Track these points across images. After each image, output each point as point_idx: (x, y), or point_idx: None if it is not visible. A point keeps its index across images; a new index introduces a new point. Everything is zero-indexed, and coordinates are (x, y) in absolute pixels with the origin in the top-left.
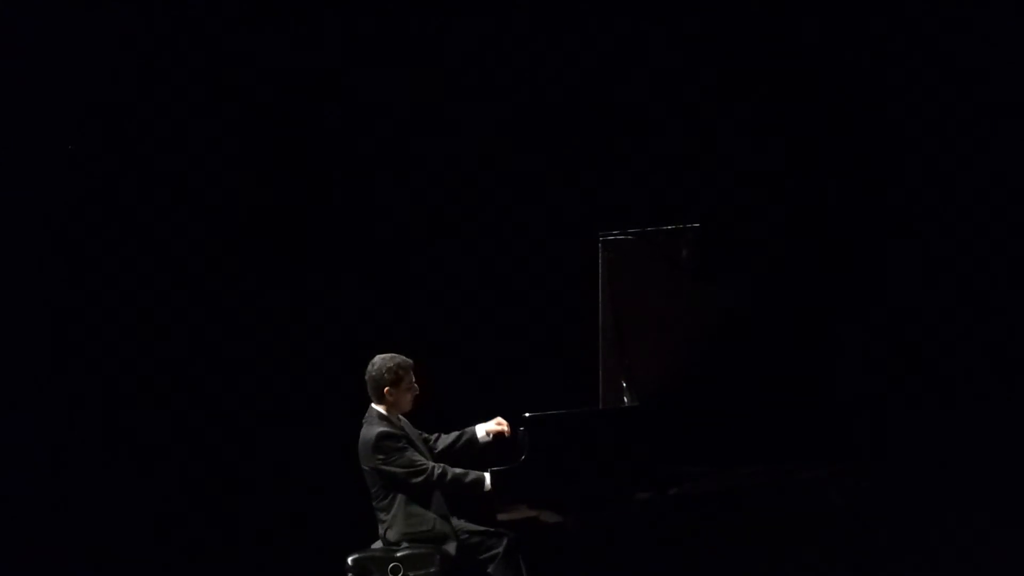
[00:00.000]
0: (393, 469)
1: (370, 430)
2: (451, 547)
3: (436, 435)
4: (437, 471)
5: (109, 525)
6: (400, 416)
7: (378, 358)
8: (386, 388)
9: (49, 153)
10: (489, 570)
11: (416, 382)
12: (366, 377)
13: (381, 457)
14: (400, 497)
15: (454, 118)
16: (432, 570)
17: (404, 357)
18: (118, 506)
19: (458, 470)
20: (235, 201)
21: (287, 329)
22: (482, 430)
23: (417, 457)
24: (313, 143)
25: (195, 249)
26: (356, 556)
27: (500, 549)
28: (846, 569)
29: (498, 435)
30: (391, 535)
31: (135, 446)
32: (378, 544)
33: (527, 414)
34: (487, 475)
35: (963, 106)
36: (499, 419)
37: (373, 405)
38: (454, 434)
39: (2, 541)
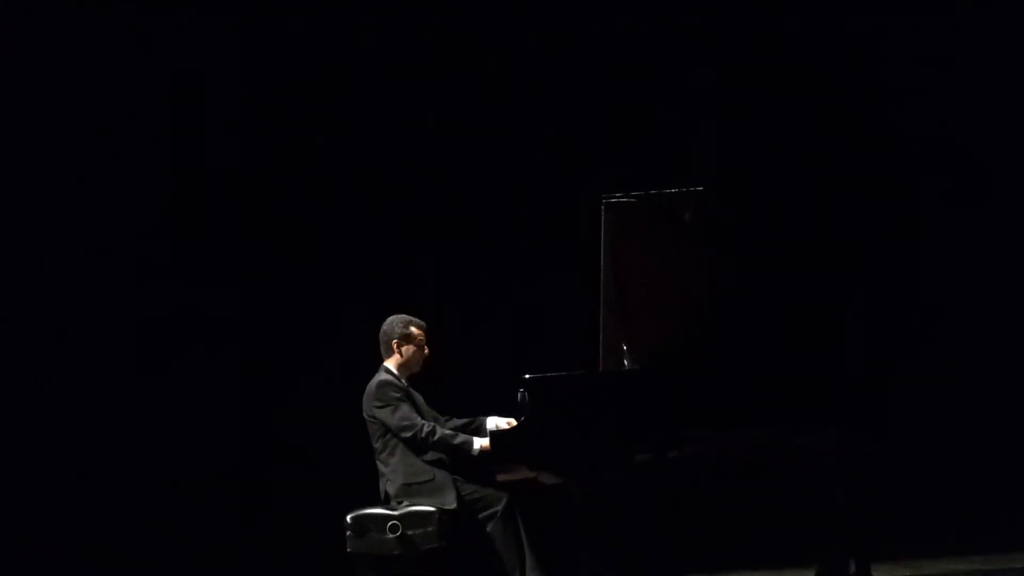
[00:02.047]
0: (386, 418)
1: (375, 379)
2: (451, 498)
3: (448, 418)
4: (426, 429)
5: (108, 525)
6: (409, 386)
7: (392, 315)
8: (395, 341)
9: (49, 153)
10: (488, 529)
11: (427, 345)
12: (379, 333)
13: (378, 404)
14: (400, 449)
15: (454, 80)
16: (430, 528)
17: (418, 319)
18: (117, 507)
19: (447, 431)
20: (233, 197)
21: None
22: (493, 423)
23: (411, 413)
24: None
25: (194, 247)
26: (355, 514)
27: (499, 508)
28: (842, 534)
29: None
30: (392, 488)
31: (134, 444)
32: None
33: (527, 375)
34: (476, 440)
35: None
36: (510, 420)
37: (384, 363)
38: (466, 420)
39: (2, 541)
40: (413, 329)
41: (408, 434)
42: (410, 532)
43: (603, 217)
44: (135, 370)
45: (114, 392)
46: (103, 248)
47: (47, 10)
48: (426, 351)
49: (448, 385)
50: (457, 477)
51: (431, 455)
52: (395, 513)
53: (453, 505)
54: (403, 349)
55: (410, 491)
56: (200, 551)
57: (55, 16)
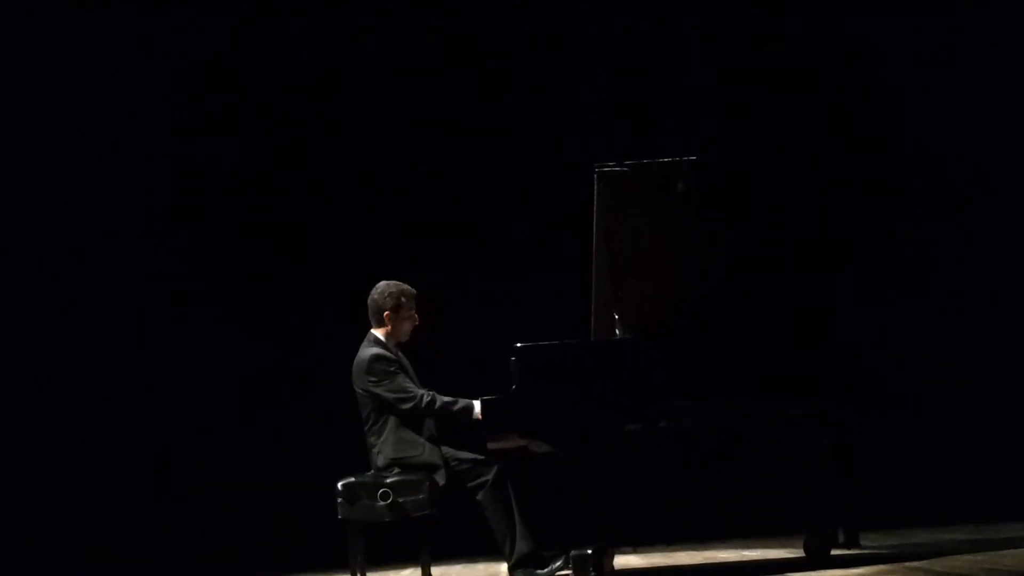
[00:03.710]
0: (383, 392)
1: (365, 352)
2: (440, 475)
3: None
4: (426, 398)
5: (109, 525)
6: (398, 351)
7: (382, 283)
8: (386, 313)
9: (48, 154)
10: (478, 497)
11: (417, 313)
12: (368, 300)
13: (372, 379)
14: (391, 423)
15: (455, 48)
16: (421, 496)
17: (408, 286)
18: (117, 507)
19: (447, 398)
20: (233, 197)
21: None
22: (479, 406)
23: (407, 383)
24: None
25: (193, 245)
26: (346, 481)
27: (489, 477)
28: (832, 507)
29: None
30: (381, 461)
31: (133, 443)
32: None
33: (518, 344)
34: (476, 403)
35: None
36: None
37: (372, 330)
38: (452, 398)
39: (2, 541)
40: (403, 299)
41: (407, 405)
42: (401, 499)
43: (595, 186)
44: (133, 370)
45: (113, 392)
46: (101, 246)
47: (47, 10)
48: (416, 322)
49: (439, 358)
50: (447, 448)
51: (424, 433)
52: (386, 480)
53: (442, 482)
54: (393, 320)
55: (399, 464)
56: (200, 551)
57: (55, 16)
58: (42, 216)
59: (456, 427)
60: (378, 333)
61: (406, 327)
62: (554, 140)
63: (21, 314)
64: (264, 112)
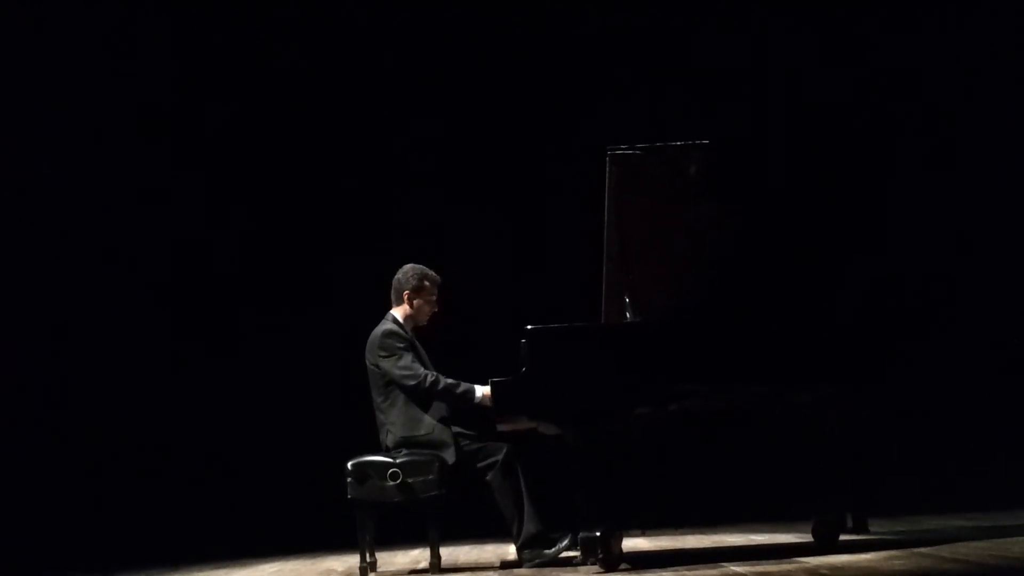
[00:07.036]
0: (390, 368)
1: (379, 328)
2: (449, 454)
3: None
4: (430, 378)
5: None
6: (413, 334)
7: (409, 265)
8: (406, 292)
9: (47, 158)
10: (487, 478)
11: (438, 301)
12: (393, 280)
13: (383, 354)
14: (400, 401)
15: (468, 38)
16: (431, 476)
17: (433, 272)
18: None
19: (450, 380)
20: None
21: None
22: (480, 392)
23: (414, 363)
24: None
25: (189, 243)
26: (356, 461)
27: (499, 457)
28: (838, 491)
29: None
30: (390, 440)
31: (134, 440)
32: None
33: (528, 326)
34: (478, 388)
35: None
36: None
37: (391, 311)
38: (456, 381)
39: (2, 541)
40: (426, 283)
41: (412, 383)
42: (410, 480)
43: (607, 169)
44: (133, 368)
45: (119, 376)
46: (98, 244)
47: (47, 10)
48: (436, 308)
49: (451, 339)
50: (458, 428)
51: (433, 411)
52: (396, 461)
53: (451, 461)
54: (413, 301)
55: (409, 443)
56: (209, 531)
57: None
58: (43, 218)
59: (461, 409)
60: (396, 312)
61: (424, 310)
62: (567, 122)
63: (21, 315)
64: (280, 94)
